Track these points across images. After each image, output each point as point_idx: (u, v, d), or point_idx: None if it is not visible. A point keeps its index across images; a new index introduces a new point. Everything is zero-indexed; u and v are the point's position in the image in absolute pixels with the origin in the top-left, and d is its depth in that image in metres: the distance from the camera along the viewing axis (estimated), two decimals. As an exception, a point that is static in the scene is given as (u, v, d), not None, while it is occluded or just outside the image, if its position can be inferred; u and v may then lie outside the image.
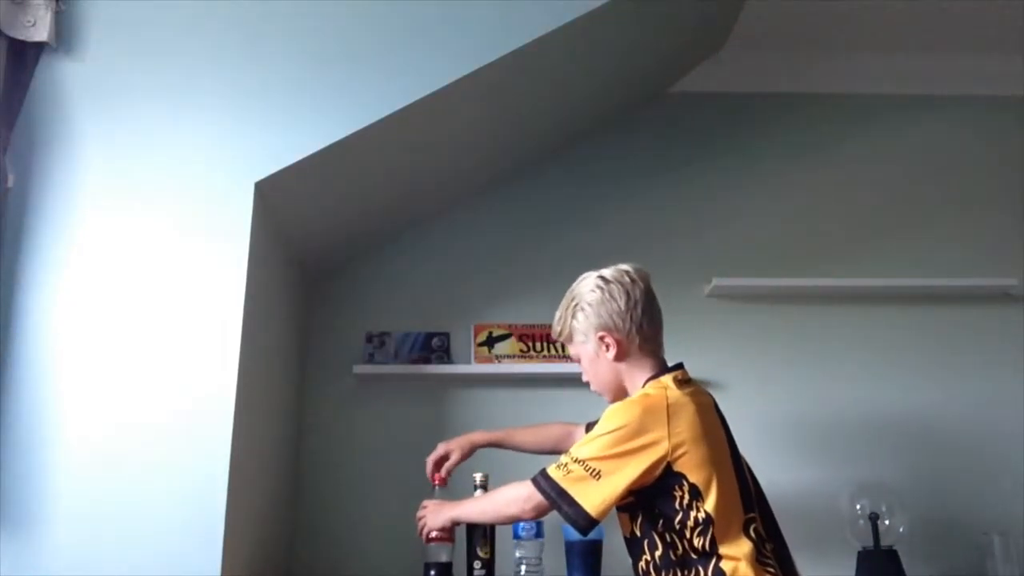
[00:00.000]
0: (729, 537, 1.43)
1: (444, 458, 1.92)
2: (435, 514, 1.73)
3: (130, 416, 1.59)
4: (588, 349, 1.65)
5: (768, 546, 1.47)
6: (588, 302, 1.63)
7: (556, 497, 1.45)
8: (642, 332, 1.60)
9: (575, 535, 1.91)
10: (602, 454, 1.44)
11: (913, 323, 2.54)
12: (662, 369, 1.60)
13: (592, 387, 1.71)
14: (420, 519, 1.77)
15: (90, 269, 1.66)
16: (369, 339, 2.43)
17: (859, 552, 2.16)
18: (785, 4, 2.46)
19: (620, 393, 1.64)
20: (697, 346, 2.46)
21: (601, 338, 1.61)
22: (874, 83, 2.78)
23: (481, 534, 1.88)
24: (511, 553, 1.96)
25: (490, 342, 2.44)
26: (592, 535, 1.91)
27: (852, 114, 2.77)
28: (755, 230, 2.63)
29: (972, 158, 2.74)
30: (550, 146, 2.64)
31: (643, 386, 1.57)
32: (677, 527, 1.45)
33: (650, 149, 2.70)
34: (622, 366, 1.62)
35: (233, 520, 1.60)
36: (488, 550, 1.89)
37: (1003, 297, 2.56)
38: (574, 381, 2.41)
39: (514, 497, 1.54)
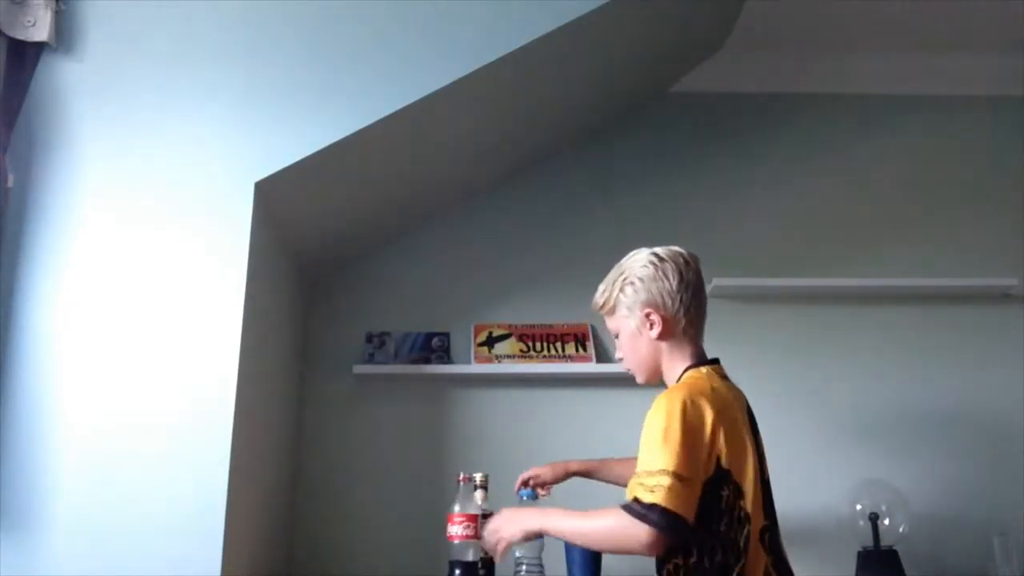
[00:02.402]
0: (755, 543, 1.39)
1: (535, 476, 1.90)
2: (512, 522, 1.55)
3: (130, 416, 1.59)
4: (630, 324, 1.60)
5: (770, 558, 1.43)
6: (639, 276, 1.58)
7: (669, 522, 1.32)
8: (688, 315, 1.56)
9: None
10: (680, 457, 1.35)
11: (913, 323, 2.54)
12: (702, 359, 1.57)
13: (625, 365, 1.66)
14: (493, 533, 1.57)
15: (90, 269, 1.66)
16: (369, 339, 2.43)
17: (859, 552, 2.16)
18: (785, 4, 2.46)
19: (654, 374, 1.60)
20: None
21: (647, 315, 1.56)
22: (874, 83, 2.78)
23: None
24: (511, 553, 1.96)
25: (490, 342, 2.44)
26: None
27: (852, 114, 2.77)
28: (755, 230, 2.63)
29: (972, 158, 2.74)
30: (550, 146, 2.64)
31: (683, 373, 1.54)
32: (722, 527, 1.38)
33: (650, 149, 2.70)
34: (663, 346, 1.57)
35: (233, 520, 1.60)
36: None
37: (1003, 297, 2.56)
38: (574, 381, 2.43)
39: (629, 535, 1.35)
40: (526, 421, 2.39)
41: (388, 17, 1.87)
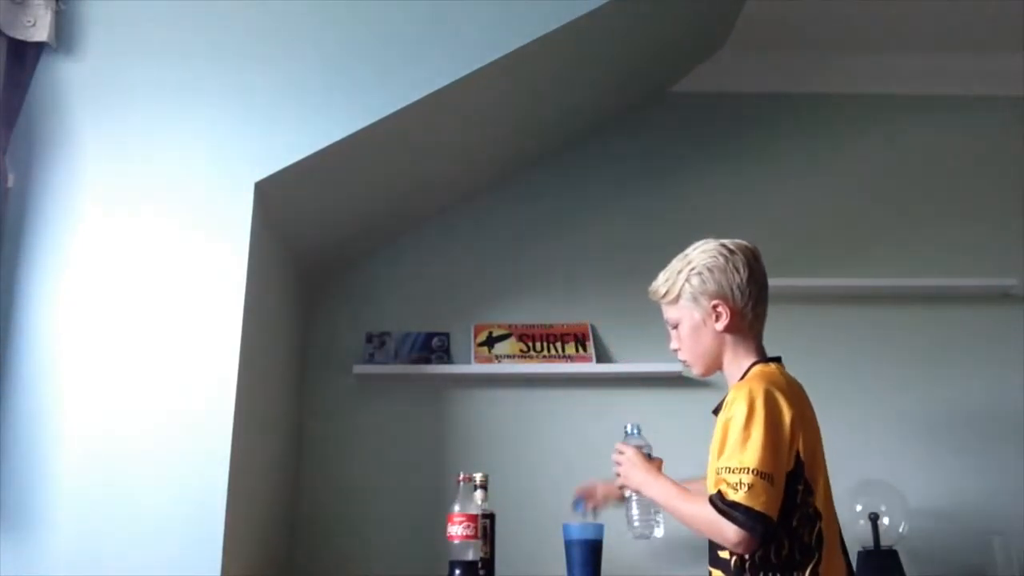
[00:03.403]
0: (828, 542, 1.38)
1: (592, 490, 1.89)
2: (634, 470, 1.58)
3: (130, 416, 1.59)
4: (694, 315, 1.57)
5: (846, 562, 1.43)
6: (708, 267, 1.56)
7: (756, 523, 1.33)
8: (755, 310, 1.56)
9: (575, 534, 1.91)
10: (764, 453, 1.35)
11: (913, 323, 2.54)
12: (765, 357, 1.56)
13: (682, 355, 1.62)
14: (618, 461, 1.61)
15: (90, 269, 1.66)
16: (369, 339, 2.43)
17: (859, 552, 2.15)
18: (785, 4, 2.46)
19: (713, 367, 1.59)
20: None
21: (715, 306, 1.54)
22: (874, 83, 2.78)
23: (483, 533, 1.87)
24: (511, 553, 1.96)
25: (490, 342, 2.44)
26: (592, 535, 1.92)
27: (852, 114, 2.77)
28: (755, 230, 2.59)
29: (972, 158, 2.74)
30: (550, 146, 2.64)
31: (749, 368, 1.52)
32: (793, 523, 1.37)
33: (650, 149, 2.70)
34: (728, 339, 1.56)
35: (233, 520, 1.60)
36: (488, 550, 1.89)
37: (1003, 297, 2.56)
38: (574, 381, 2.42)
39: (719, 529, 1.36)
40: (526, 421, 2.39)
41: (388, 17, 1.87)
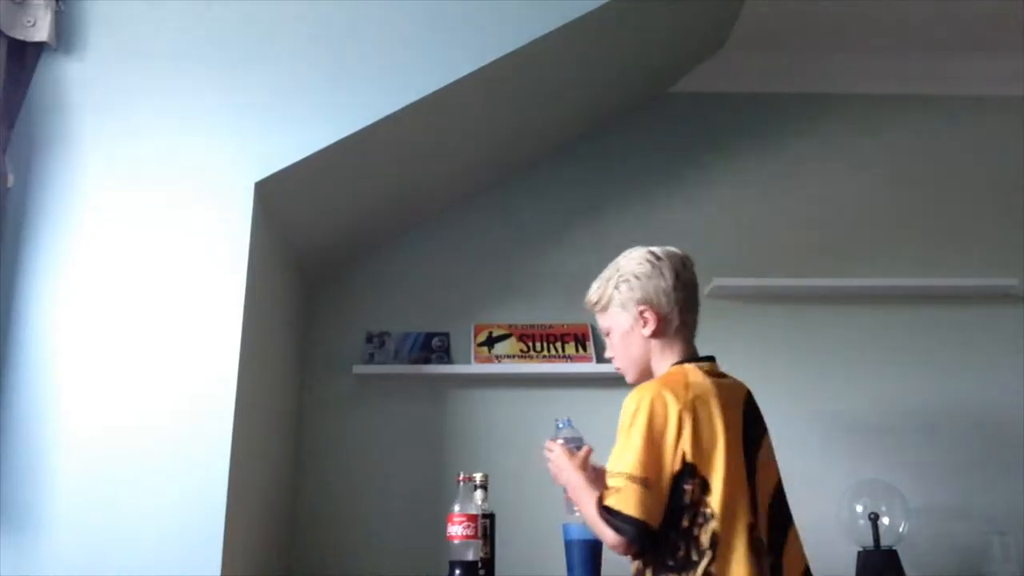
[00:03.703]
0: (726, 543, 1.37)
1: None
2: (559, 469, 1.58)
3: (130, 416, 1.59)
4: (623, 321, 1.60)
5: (766, 560, 1.41)
6: (635, 274, 1.58)
7: (627, 526, 1.36)
8: (682, 315, 1.57)
9: (575, 534, 1.91)
10: (640, 457, 1.38)
11: (913, 323, 2.54)
12: (691, 357, 1.57)
13: (616, 363, 1.65)
14: (549, 456, 1.62)
15: (90, 269, 1.66)
16: (369, 339, 2.43)
17: (859, 552, 2.16)
18: (785, 4, 2.46)
19: (644, 373, 1.60)
20: (697, 346, 2.46)
21: (641, 312, 1.56)
22: (874, 83, 2.78)
23: (483, 533, 1.87)
24: (511, 553, 1.96)
25: (490, 342, 2.44)
26: (592, 535, 1.91)
27: (852, 114, 2.77)
28: (755, 230, 2.63)
29: (972, 158, 2.74)
30: (550, 146, 2.64)
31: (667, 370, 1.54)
32: (684, 523, 1.38)
33: (650, 149, 2.70)
34: (655, 344, 1.57)
35: (233, 520, 1.60)
36: (488, 550, 1.89)
37: (1003, 297, 2.56)
38: (574, 381, 2.42)
39: (602, 531, 1.40)
40: (526, 421, 2.39)
41: (388, 18, 1.87)
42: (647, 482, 1.37)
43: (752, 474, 1.46)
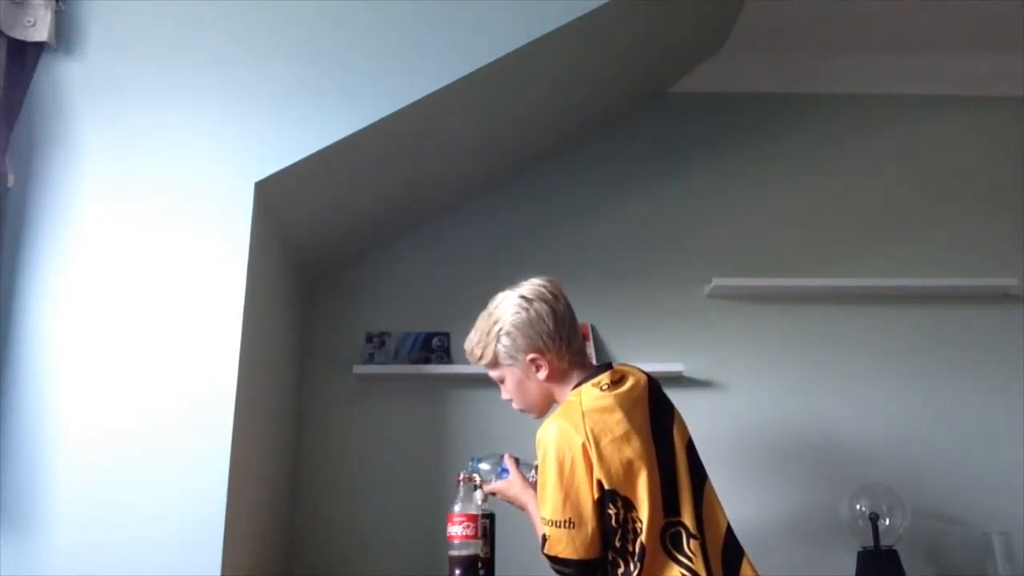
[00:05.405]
0: (651, 550, 1.40)
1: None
2: (520, 497, 1.65)
3: (130, 416, 1.59)
4: (515, 372, 1.62)
5: (692, 542, 1.42)
6: (513, 324, 1.59)
7: (564, 567, 1.45)
8: (570, 348, 1.60)
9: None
10: (556, 500, 1.43)
11: (913, 323, 2.54)
12: (588, 375, 1.57)
13: (516, 406, 1.69)
14: (504, 492, 1.69)
15: (90, 269, 1.66)
16: (369, 339, 2.43)
17: (859, 552, 2.16)
18: (785, 4, 2.46)
19: (548, 407, 1.65)
20: (697, 346, 2.47)
21: (532, 360, 1.59)
22: (874, 83, 2.78)
23: (483, 533, 1.87)
24: (511, 553, 1.96)
25: (490, 342, 2.43)
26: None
27: (852, 114, 2.77)
28: (755, 230, 2.63)
29: (972, 158, 2.74)
30: (550, 146, 2.64)
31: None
32: (617, 543, 1.42)
33: (650, 149, 2.70)
34: (553, 384, 1.61)
35: (233, 520, 1.60)
36: (488, 550, 1.89)
37: (1003, 297, 2.56)
38: (574, 381, 2.42)
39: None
40: (526, 421, 2.37)
41: (387, 18, 1.87)
42: (570, 523, 1.42)
43: (666, 453, 1.48)
